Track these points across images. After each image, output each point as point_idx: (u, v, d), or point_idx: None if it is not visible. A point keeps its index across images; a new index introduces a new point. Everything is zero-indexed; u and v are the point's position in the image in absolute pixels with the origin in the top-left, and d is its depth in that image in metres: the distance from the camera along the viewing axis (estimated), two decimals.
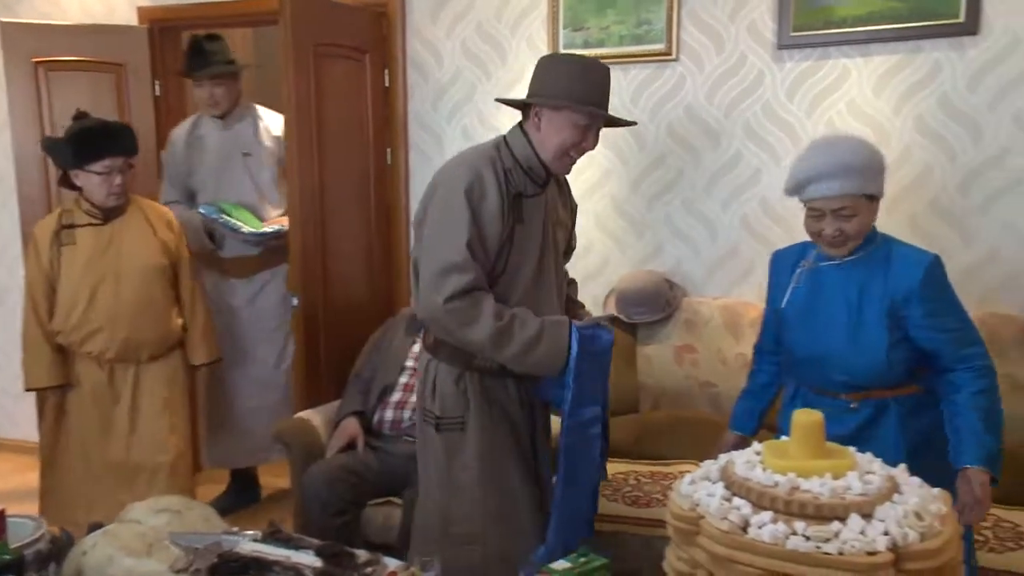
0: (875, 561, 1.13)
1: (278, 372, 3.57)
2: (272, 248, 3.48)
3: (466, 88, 3.50)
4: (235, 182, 3.49)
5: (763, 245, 3.11)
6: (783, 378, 2.24)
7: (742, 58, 3.05)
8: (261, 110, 3.60)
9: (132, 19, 3.93)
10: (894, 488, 1.29)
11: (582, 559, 1.61)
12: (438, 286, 2.03)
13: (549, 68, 2.13)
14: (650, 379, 3.11)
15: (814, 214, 2.00)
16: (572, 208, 2.39)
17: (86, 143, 2.83)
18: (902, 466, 1.40)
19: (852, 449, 1.38)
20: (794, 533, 1.19)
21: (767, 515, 1.23)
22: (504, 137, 2.19)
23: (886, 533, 1.18)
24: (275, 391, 3.56)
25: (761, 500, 1.26)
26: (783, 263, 2.19)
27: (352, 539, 2.59)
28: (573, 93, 2.06)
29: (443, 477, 2.17)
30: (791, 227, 3.05)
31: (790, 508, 1.23)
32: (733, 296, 3.16)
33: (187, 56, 3.45)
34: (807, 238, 2.20)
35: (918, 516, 1.21)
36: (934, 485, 2.03)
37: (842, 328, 2.01)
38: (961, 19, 2.72)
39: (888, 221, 2.91)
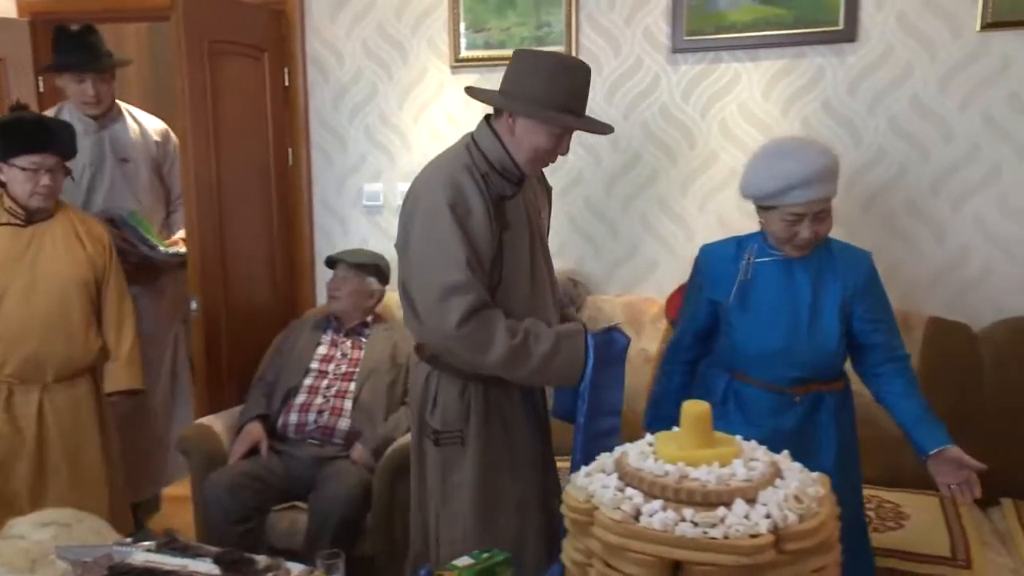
0: (757, 543, 1.19)
1: (159, 391, 3.41)
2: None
3: (368, 88, 3.48)
4: (110, 189, 3.24)
5: (662, 244, 3.20)
6: (709, 373, 2.23)
7: (639, 61, 3.13)
8: (133, 110, 3.39)
9: (11, 11, 3.74)
10: (776, 473, 1.35)
11: (485, 555, 1.63)
12: (443, 312, 1.89)
13: (526, 68, 1.96)
14: None
15: (791, 218, 2.01)
16: (548, 189, 2.26)
17: (15, 135, 2.62)
18: (785, 452, 1.47)
19: (738, 438, 1.45)
20: (683, 520, 1.24)
21: (658, 503, 1.27)
22: (472, 137, 2.05)
23: (768, 516, 1.24)
24: (158, 409, 3.41)
25: (652, 489, 1.30)
26: (719, 258, 2.17)
27: (256, 546, 2.55)
28: (552, 99, 1.92)
29: (438, 492, 2.06)
30: (689, 227, 3.15)
31: (679, 496, 1.27)
32: (634, 294, 3.24)
33: (64, 49, 3.18)
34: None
35: (797, 499, 1.27)
36: (857, 474, 2.15)
37: (801, 323, 2.06)
38: (840, 27, 2.86)
39: None
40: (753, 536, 1.21)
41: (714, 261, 2.18)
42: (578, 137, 3.20)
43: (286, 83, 3.51)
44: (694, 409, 1.39)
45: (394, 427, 2.83)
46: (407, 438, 2.74)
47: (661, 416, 2.24)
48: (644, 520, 1.26)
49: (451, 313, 1.88)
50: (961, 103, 2.82)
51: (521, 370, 1.94)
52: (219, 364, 3.21)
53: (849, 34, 2.87)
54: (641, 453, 1.40)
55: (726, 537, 1.21)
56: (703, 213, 3.13)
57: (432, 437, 2.05)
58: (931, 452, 1.98)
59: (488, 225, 1.94)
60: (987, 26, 2.73)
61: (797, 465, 1.42)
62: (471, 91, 2.09)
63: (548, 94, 1.92)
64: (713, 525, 1.23)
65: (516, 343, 1.90)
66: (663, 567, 1.22)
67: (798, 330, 2.06)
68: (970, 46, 2.77)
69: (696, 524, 1.23)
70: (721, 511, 1.25)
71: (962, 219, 2.87)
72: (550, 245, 3.24)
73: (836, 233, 2.94)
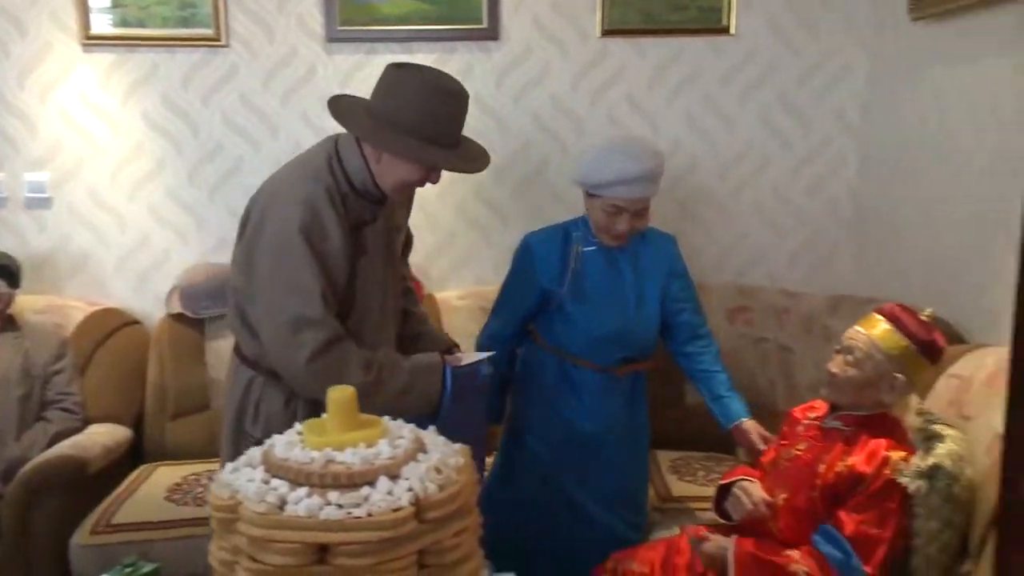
0: (398, 516, 1.24)
1: None
2: None
3: None
4: None
5: None
6: (538, 358, 2.29)
7: (294, 49, 3.07)
8: None
9: None
10: (420, 448, 1.42)
11: (128, 569, 1.52)
12: (292, 344, 1.75)
13: (397, 90, 1.81)
14: (222, 373, 3.02)
15: (612, 210, 2.10)
16: (409, 195, 2.13)
17: None
18: (432, 428, 1.55)
19: (386, 418, 1.49)
20: (328, 503, 1.25)
21: (303, 491, 1.27)
22: (336, 150, 1.87)
23: (410, 489, 1.29)
24: None
25: (298, 477, 1.30)
26: (546, 248, 2.24)
27: None
28: (424, 130, 1.78)
29: None
30: None
31: (324, 481, 1.28)
32: None
33: None
34: None
35: (438, 470, 1.34)
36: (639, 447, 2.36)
37: (629, 307, 2.18)
38: (484, 25, 3.05)
39: (440, 207, 3.18)
40: (395, 510, 1.25)
41: (540, 250, 2.24)
42: (232, 125, 3.10)
43: None
44: (339, 395, 1.41)
45: (29, 446, 2.52)
46: (47, 456, 2.48)
47: (489, 406, 2.26)
48: (290, 509, 1.25)
49: (302, 348, 1.75)
50: (591, 101, 3.14)
51: (373, 404, 1.79)
52: None
53: (492, 33, 3.06)
54: (288, 443, 1.39)
55: (370, 515, 1.24)
56: None
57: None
58: (729, 426, 2.21)
59: (343, 253, 1.81)
60: (605, 33, 3.07)
61: (441, 439, 1.49)
62: (334, 107, 1.88)
63: (420, 124, 1.78)
64: (357, 505, 1.25)
65: (370, 379, 1.80)
66: (309, 552, 1.22)
67: (627, 314, 2.19)
68: (594, 50, 3.10)
69: (341, 506, 1.25)
70: (365, 490, 1.27)
71: None
72: (208, 238, 3.13)
73: (487, 218, 3.17)
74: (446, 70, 3.04)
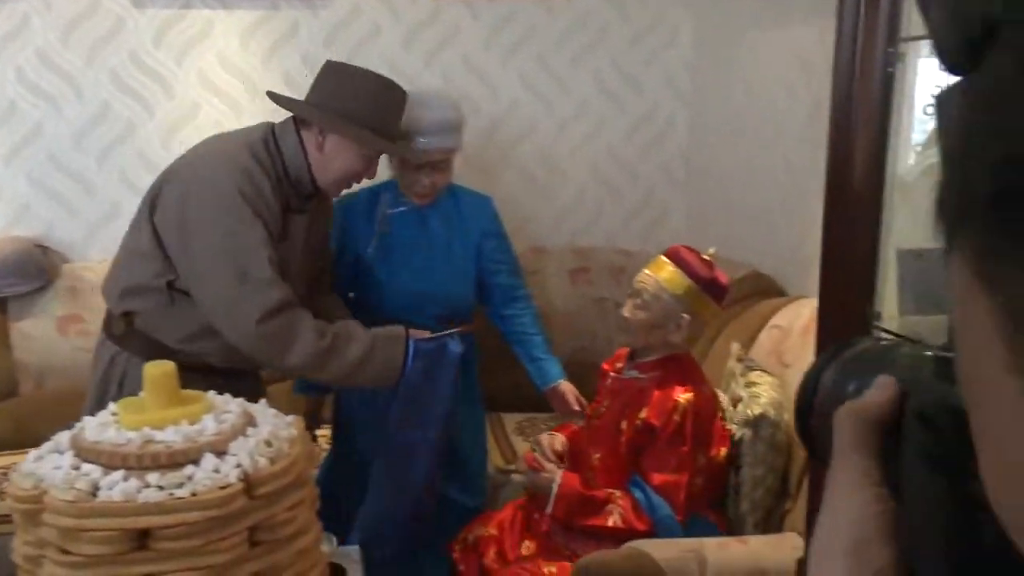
0: (225, 494, 1.16)
1: None
2: None
3: None
4: None
5: None
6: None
7: (96, 1, 2.81)
8: None
9: None
10: (249, 422, 1.34)
11: None
12: (242, 303, 1.72)
13: (343, 83, 1.87)
14: (30, 356, 2.77)
15: (411, 165, 2.06)
16: (329, 218, 2.08)
17: None
18: (263, 401, 1.47)
19: (211, 393, 1.40)
20: (147, 486, 1.16)
21: (119, 474, 1.17)
22: (273, 133, 1.85)
23: (239, 465, 1.22)
24: None
25: (113, 460, 1.19)
26: (355, 211, 2.20)
27: None
28: (370, 120, 1.82)
29: None
30: None
31: (143, 462, 1.19)
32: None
33: None
34: None
35: (268, 443, 1.27)
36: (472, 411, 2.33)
37: (439, 267, 2.16)
38: None
39: None
40: (223, 488, 1.18)
41: (353, 214, 2.20)
42: (29, 84, 2.82)
43: None
44: (156, 371, 1.30)
45: None
46: None
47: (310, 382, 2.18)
48: (103, 494, 1.15)
49: (253, 308, 1.72)
50: (425, 62, 3.07)
51: (326, 372, 1.80)
52: None
53: None
54: (101, 424, 1.28)
55: (194, 494, 1.16)
56: None
57: None
58: (546, 387, 2.22)
59: (276, 227, 1.80)
60: None
61: (272, 411, 1.42)
62: (275, 96, 1.87)
63: (367, 115, 1.83)
64: (180, 485, 1.17)
65: (324, 344, 1.77)
66: (127, 539, 1.13)
67: (435, 272, 2.17)
68: (426, 11, 3.02)
69: (162, 487, 1.16)
70: (189, 469, 1.19)
71: None
72: (6, 209, 2.85)
73: None
74: (270, 28, 2.99)
